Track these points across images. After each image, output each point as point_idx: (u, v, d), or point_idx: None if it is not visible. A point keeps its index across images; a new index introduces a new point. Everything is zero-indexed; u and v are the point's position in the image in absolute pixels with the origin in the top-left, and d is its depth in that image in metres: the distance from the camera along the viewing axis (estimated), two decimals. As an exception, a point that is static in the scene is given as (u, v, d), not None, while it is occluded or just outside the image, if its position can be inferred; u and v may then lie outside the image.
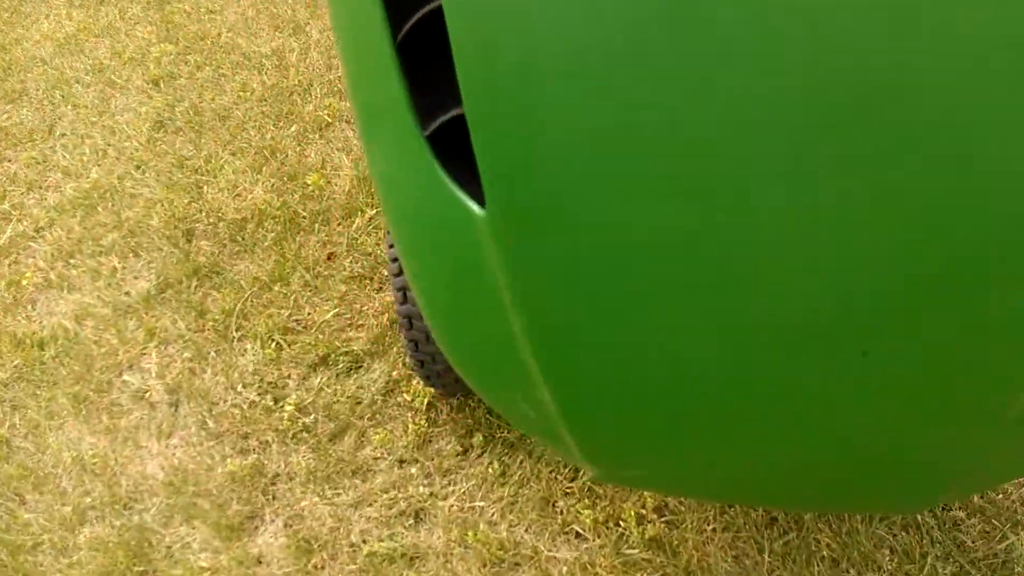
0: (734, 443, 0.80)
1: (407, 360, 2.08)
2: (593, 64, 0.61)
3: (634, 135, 0.62)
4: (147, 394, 2.12)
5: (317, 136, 2.82)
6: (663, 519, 1.71)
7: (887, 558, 1.61)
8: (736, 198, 0.63)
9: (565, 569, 1.66)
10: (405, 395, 2.01)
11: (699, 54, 0.59)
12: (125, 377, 2.17)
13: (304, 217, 2.51)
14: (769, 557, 1.62)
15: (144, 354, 2.22)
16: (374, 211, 2.50)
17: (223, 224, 2.51)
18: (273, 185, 2.63)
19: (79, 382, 2.16)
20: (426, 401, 1.97)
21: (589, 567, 1.66)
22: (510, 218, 0.69)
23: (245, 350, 2.18)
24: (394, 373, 2.06)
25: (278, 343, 2.18)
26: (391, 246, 1.66)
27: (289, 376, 2.11)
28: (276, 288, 2.30)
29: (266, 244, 2.43)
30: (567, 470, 1.81)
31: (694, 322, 0.69)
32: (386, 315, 2.19)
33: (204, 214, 2.56)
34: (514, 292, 0.73)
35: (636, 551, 1.66)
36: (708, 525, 1.69)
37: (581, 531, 1.72)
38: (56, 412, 2.10)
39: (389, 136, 0.80)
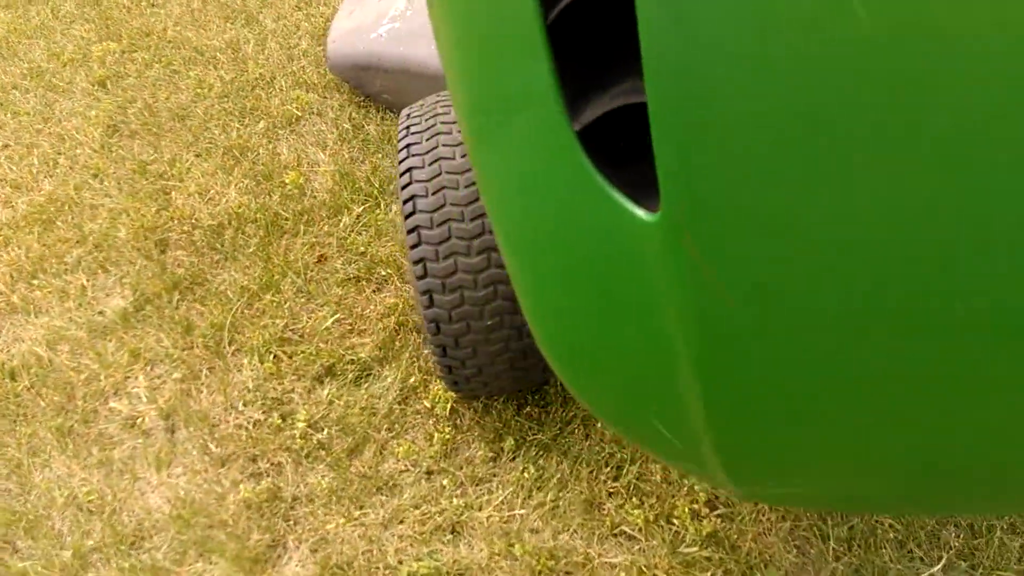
0: (908, 455, 0.73)
1: (422, 364, 1.97)
2: (819, 38, 0.51)
3: (870, 122, 0.53)
4: (139, 421, 1.96)
5: (287, 131, 2.67)
6: (716, 513, 1.65)
7: (953, 535, 1.58)
8: (973, 194, 0.54)
9: (622, 574, 1.58)
10: (424, 402, 1.90)
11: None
12: (112, 404, 2.00)
13: (286, 219, 2.36)
14: (834, 544, 1.57)
15: (130, 377, 2.05)
16: (361, 208, 2.36)
17: (199, 232, 2.35)
18: (247, 186, 2.47)
19: (61, 413, 1.98)
20: (448, 406, 1.86)
21: (646, 570, 1.59)
22: (694, 223, 0.59)
23: (241, 366, 2.04)
24: (409, 379, 1.94)
25: (276, 356, 2.04)
26: (413, 246, 1.55)
27: (293, 390, 1.98)
28: (267, 297, 2.16)
29: (249, 250, 2.27)
30: (608, 468, 1.73)
31: (899, 335, 0.61)
32: (392, 318, 2.07)
33: (176, 222, 2.39)
34: (685, 308, 0.64)
35: (694, 549, 1.59)
36: (764, 516, 1.63)
37: (632, 532, 1.64)
38: (39, 448, 1.92)
39: (525, 134, 0.70)
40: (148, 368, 2.07)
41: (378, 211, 2.35)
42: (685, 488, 1.68)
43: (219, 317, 2.12)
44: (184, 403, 1.98)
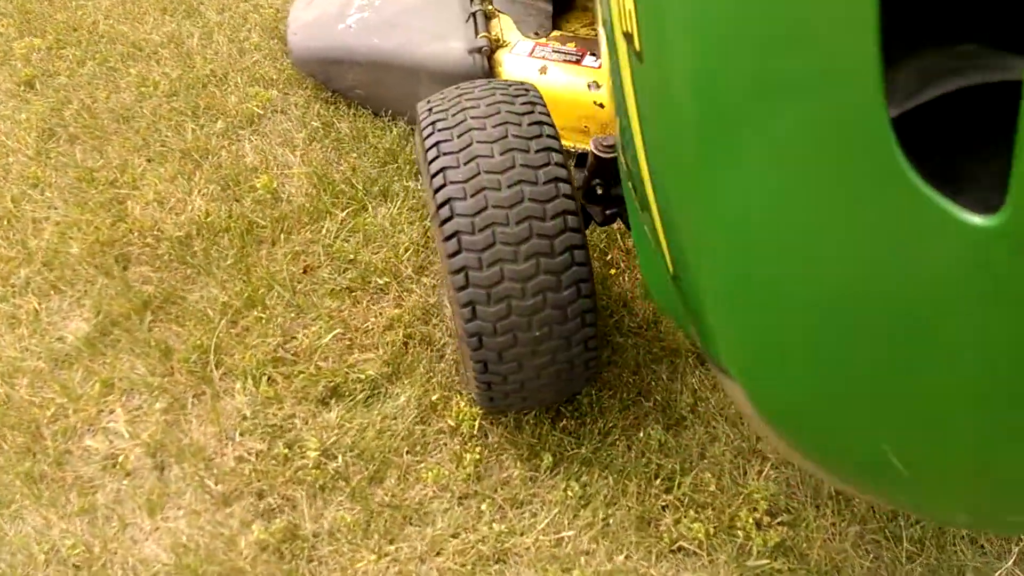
0: None
1: (440, 380, 1.83)
2: None
3: None
4: (121, 459, 1.75)
5: (250, 132, 2.46)
6: (779, 521, 1.57)
7: (1022, 528, 1.55)
8: None
9: (691, 594, 1.49)
10: (447, 420, 1.76)
11: None
12: (87, 442, 1.79)
13: (263, 226, 2.17)
14: (907, 544, 1.52)
15: (104, 411, 1.84)
16: (345, 212, 2.19)
17: (165, 244, 2.13)
18: (213, 192, 2.26)
19: (28, 456, 1.75)
20: (476, 424, 1.73)
21: (714, 587, 1.50)
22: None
23: (233, 391, 1.85)
24: (427, 396, 1.80)
25: (272, 378, 1.86)
26: (452, 255, 1.41)
27: (295, 415, 1.80)
28: (253, 313, 1.97)
29: (227, 263, 2.07)
30: (659, 481, 1.63)
31: None
32: (397, 330, 1.92)
33: (136, 235, 2.17)
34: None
35: (763, 561, 1.51)
36: (828, 520, 1.57)
37: (693, 548, 1.55)
38: (8, 498, 1.69)
39: (809, 127, 0.58)
40: (124, 399, 1.86)
41: (365, 215, 2.18)
42: (741, 496, 1.60)
43: (201, 338, 1.92)
44: (172, 436, 1.78)
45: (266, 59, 2.70)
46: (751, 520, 1.54)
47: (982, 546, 1.54)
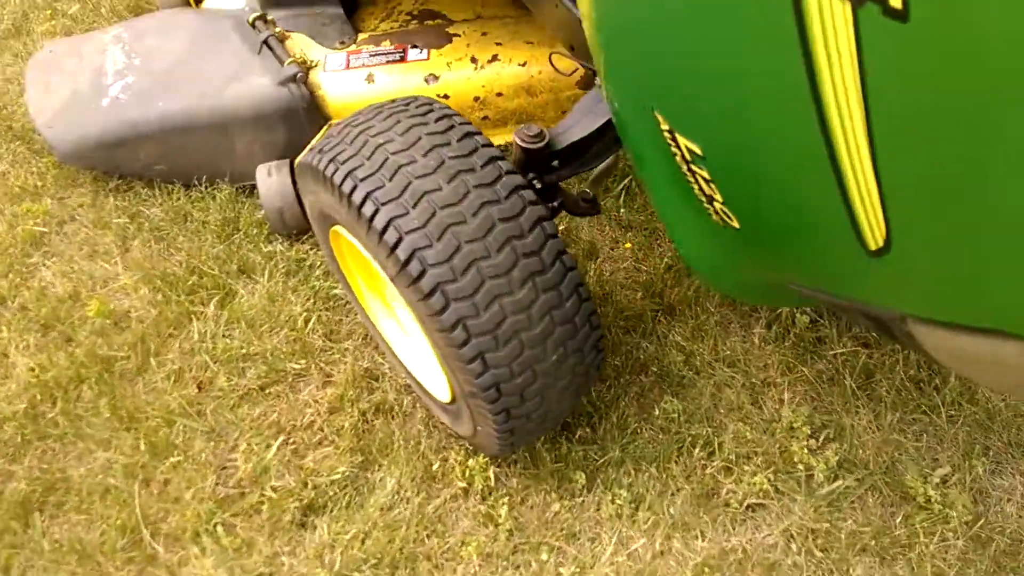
0: None
1: (426, 443, 1.62)
2: None
3: None
4: None
5: (40, 256, 2.03)
6: (826, 437, 1.55)
7: None
8: None
9: (781, 552, 1.44)
10: (456, 483, 1.56)
11: None
12: None
13: (121, 358, 1.80)
14: (946, 410, 1.55)
15: (40, 654, 1.45)
16: (212, 305, 1.87)
17: (8, 427, 1.71)
18: (33, 343, 1.84)
19: None
20: (490, 474, 1.55)
21: (799, 533, 1.46)
22: None
23: (189, 558, 1.53)
24: (420, 469, 1.59)
25: (227, 524, 1.56)
26: (439, 312, 1.21)
27: (277, 553, 1.53)
28: (167, 462, 1.63)
29: (101, 417, 1.70)
30: (697, 450, 1.56)
31: None
32: (348, 410, 1.67)
33: (-37, 428, 1.72)
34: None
35: (834, 484, 1.49)
36: (864, 418, 1.57)
37: (762, 500, 1.49)
38: None
39: None
40: (58, 628, 1.48)
41: (235, 300, 1.88)
42: (780, 430, 1.56)
43: (118, 516, 1.57)
44: (145, 644, 1.45)
45: (15, 168, 2.23)
46: (803, 449, 1.51)
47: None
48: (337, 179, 1.28)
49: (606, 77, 1.09)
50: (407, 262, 1.21)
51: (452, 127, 1.32)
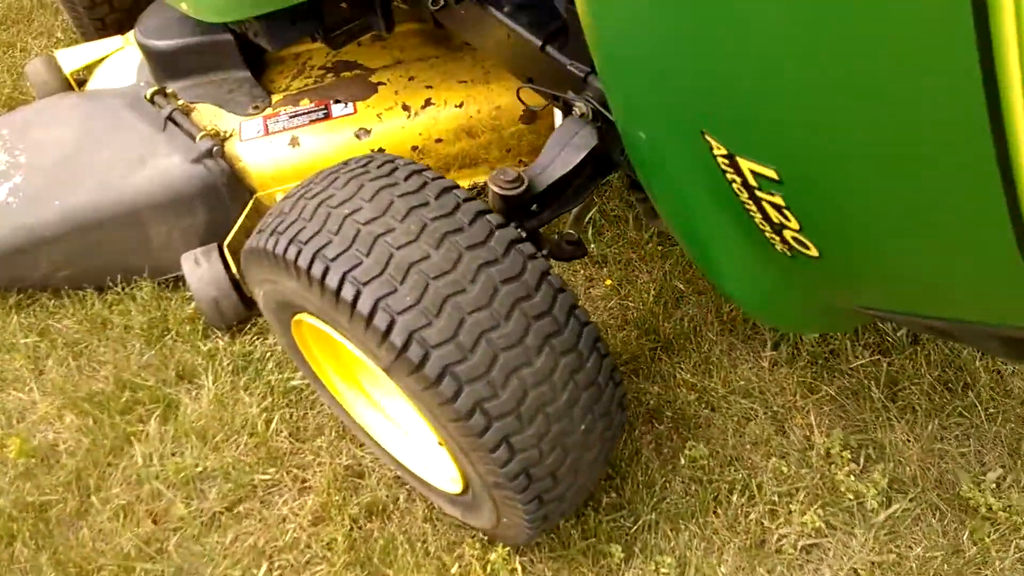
0: None
1: (432, 540, 1.42)
2: None
3: None
4: None
5: (-63, 397, 1.74)
6: (866, 456, 1.43)
7: None
8: None
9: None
10: (480, 582, 1.37)
11: None
12: None
13: (56, 502, 1.54)
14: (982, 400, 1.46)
15: None
16: (152, 422, 1.63)
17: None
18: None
19: None
20: (516, 563, 1.36)
21: (865, 563, 1.33)
22: None
23: None
24: (436, 569, 1.39)
25: None
26: (450, 400, 1.04)
27: None
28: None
29: (45, 574, 1.44)
30: (735, 496, 1.41)
31: None
32: (335, 518, 1.46)
33: None
34: None
35: (890, 510, 1.37)
36: (901, 426, 1.46)
37: (819, 540, 1.36)
38: None
39: None
40: None
41: (180, 410, 1.64)
42: (817, 458, 1.43)
43: None
44: None
45: None
46: (848, 476, 1.39)
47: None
48: (303, 262, 1.09)
49: (628, 103, 0.94)
50: (405, 346, 1.03)
51: (426, 184, 1.15)
